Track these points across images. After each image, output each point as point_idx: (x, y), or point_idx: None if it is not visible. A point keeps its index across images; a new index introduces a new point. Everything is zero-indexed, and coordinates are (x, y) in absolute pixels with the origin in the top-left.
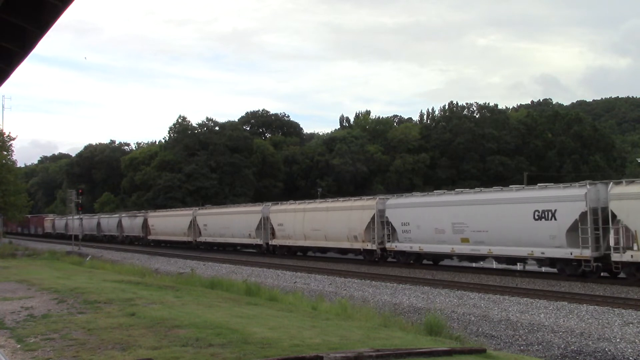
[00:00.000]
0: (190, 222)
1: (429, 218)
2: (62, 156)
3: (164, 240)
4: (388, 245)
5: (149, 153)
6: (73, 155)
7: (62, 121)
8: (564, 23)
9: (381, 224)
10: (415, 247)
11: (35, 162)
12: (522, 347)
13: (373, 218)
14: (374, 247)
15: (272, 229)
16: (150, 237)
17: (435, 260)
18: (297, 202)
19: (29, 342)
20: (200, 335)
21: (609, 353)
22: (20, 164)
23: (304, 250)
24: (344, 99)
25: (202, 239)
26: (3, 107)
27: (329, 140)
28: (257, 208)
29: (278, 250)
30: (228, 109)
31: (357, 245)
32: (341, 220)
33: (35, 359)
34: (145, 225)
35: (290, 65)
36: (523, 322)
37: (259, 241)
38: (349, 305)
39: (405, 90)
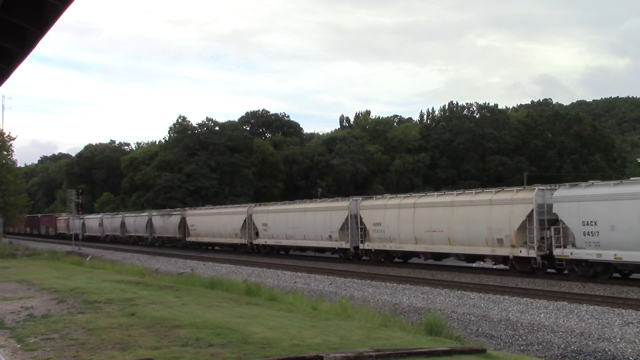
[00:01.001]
0: (245, 221)
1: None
2: (62, 156)
3: (207, 243)
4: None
5: (149, 153)
6: (73, 155)
7: (62, 121)
8: (564, 23)
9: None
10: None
11: (35, 162)
12: (522, 347)
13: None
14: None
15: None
16: (189, 239)
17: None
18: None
19: (29, 342)
20: (200, 335)
21: (609, 353)
22: (20, 164)
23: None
24: (344, 99)
25: (260, 241)
26: (3, 107)
27: (329, 140)
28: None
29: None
30: (228, 109)
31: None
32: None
33: (35, 359)
34: (183, 225)
35: (290, 65)
36: (523, 322)
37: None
38: (349, 305)
39: (405, 90)
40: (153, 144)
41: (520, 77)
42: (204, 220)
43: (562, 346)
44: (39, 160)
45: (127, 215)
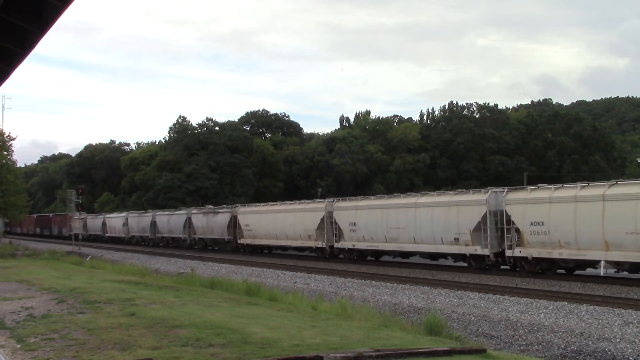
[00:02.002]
0: (322, 219)
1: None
2: (62, 156)
3: (268, 246)
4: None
5: (149, 153)
6: (73, 155)
7: (62, 121)
8: (563, 23)
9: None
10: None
11: (35, 162)
12: (522, 347)
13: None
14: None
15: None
16: (243, 242)
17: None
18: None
19: (29, 342)
20: (200, 335)
21: (609, 353)
22: (20, 164)
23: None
24: (344, 99)
25: (346, 244)
26: (3, 107)
27: (329, 140)
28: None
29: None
30: (228, 109)
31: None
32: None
33: (35, 359)
34: (233, 225)
35: (290, 65)
36: (523, 322)
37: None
38: (349, 305)
39: (405, 90)
40: (153, 144)
41: (520, 77)
42: (263, 220)
43: (562, 346)
44: (39, 160)
45: (159, 213)
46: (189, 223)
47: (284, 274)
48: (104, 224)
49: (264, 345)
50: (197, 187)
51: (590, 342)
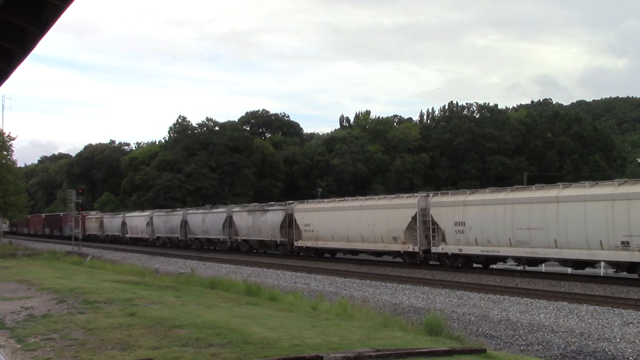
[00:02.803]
0: (413, 218)
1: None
2: (62, 156)
3: (335, 250)
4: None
5: (149, 153)
6: (73, 155)
7: (62, 121)
8: (562, 23)
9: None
10: (315, 244)
11: (35, 162)
12: (522, 347)
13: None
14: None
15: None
16: (300, 244)
17: (331, 253)
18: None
19: (29, 342)
20: (200, 335)
21: (609, 353)
22: (20, 164)
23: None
24: (344, 99)
25: (450, 248)
26: (3, 107)
27: (329, 141)
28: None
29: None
30: (228, 109)
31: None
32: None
33: (35, 359)
34: (287, 224)
35: (290, 65)
36: (523, 322)
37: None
38: (349, 305)
39: (405, 91)
40: (153, 144)
41: (519, 77)
42: (330, 218)
43: (562, 346)
44: (39, 160)
45: (191, 212)
46: (229, 223)
47: (284, 274)
48: (123, 223)
49: (264, 345)
50: (197, 187)
51: (590, 342)
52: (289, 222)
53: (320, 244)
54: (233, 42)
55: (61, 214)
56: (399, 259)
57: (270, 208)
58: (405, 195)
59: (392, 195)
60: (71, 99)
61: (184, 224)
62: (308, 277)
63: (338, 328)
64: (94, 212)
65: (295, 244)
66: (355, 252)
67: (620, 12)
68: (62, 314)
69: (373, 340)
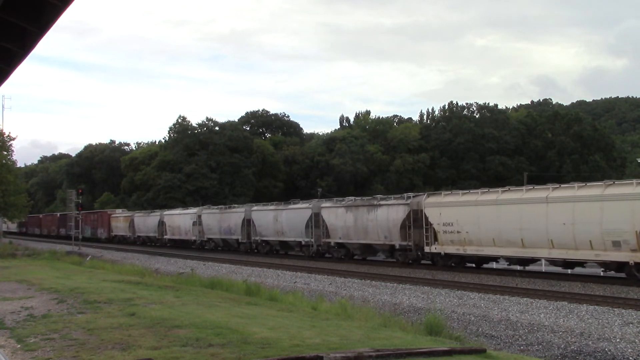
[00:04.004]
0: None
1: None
2: (62, 156)
3: (494, 257)
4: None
5: (149, 153)
6: (73, 155)
7: (62, 121)
8: (562, 24)
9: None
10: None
11: (35, 162)
12: (522, 347)
13: (243, 221)
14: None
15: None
16: (435, 249)
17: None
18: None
19: (29, 342)
20: (200, 335)
21: (609, 353)
22: (20, 164)
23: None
24: (344, 99)
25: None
26: (3, 107)
27: (329, 140)
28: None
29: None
30: (228, 109)
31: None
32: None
33: (35, 359)
34: (411, 222)
35: (289, 66)
36: (523, 322)
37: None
38: (349, 305)
39: (405, 91)
40: (153, 144)
41: (519, 78)
42: (485, 215)
43: (562, 346)
44: (39, 160)
45: (256, 209)
46: (314, 221)
47: (284, 274)
48: (161, 223)
49: (263, 345)
50: (197, 187)
51: (590, 342)
52: (414, 220)
53: (472, 250)
54: (232, 43)
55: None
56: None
57: (385, 202)
58: (626, 182)
59: (605, 182)
60: (71, 99)
61: (247, 223)
62: (308, 277)
63: (338, 328)
64: (119, 211)
65: (427, 249)
66: (532, 260)
67: (619, 13)
68: (62, 314)
69: (373, 340)
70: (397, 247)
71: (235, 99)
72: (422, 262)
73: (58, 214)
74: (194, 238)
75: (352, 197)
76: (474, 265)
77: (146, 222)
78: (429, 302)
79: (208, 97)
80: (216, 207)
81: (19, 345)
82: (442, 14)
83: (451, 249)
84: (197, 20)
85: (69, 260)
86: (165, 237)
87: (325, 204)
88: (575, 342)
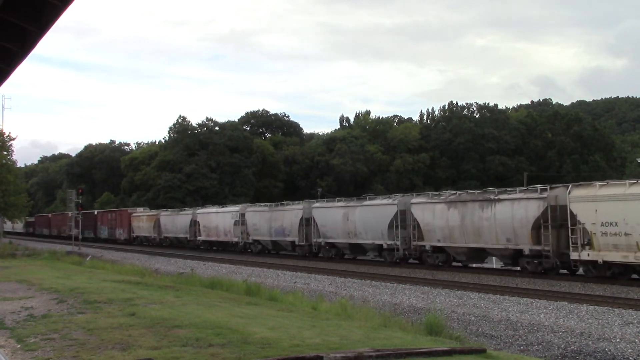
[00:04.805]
0: None
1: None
2: (62, 156)
3: None
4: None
5: (149, 153)
6: (73, 155)
7: (62, 121)
8: (561, 24)
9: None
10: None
11: (35, 162)
12: (522, 347)
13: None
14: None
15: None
16: (589, 257)
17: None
18: None
19: (29, 342)
20: (200, 335)
21: (609, 353)
22: (20, 164)
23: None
24: (344, 99)
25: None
26: (3, 107)
27: (329, 141)
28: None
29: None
30: (228, 109)
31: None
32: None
33: (35, 359)
34: (547, 221)
35: (290, 66)
36: (523, 322)
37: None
38: (349, 305)
39: (404, 91)
40: (153, 144)
41: (518, 78)
42: None
43: (562, 346)
44: (39, 160)
45: (319, 206)
46: (401, 219)
47: (284, 274)
48: (194, 223)
49: (264, 345)
50: (197, 187)
51: (590, 342)
52: (551, 218)
53: None
54: (232, 43)
55: (95, 211)
56: None
57: (505, 196)
58: None
59: None
60: (71, 99)
61: (306, 223)
62: (308, 277)
63: (338, 328)
64: (141, 209)
65: (574, 255)
66: None
67: (618, 13)
68: (62, 314)
69: (373, 340)
70: (527, 252)
71: (235, 99)
72: (561, 271)
73: (70, 214)
74: (235, 240)
75: (456, 191)
76: None
77: (175, 221)
78: (429, 302)
79: (208, 97)
80: (263, 204)
81: (19, 345)
82: (442, 14)
83: (614, 257)
84: (197, 20)
85: (69, 260)
86: (198, 238)
87: (418, 199)
88: (575, 342)
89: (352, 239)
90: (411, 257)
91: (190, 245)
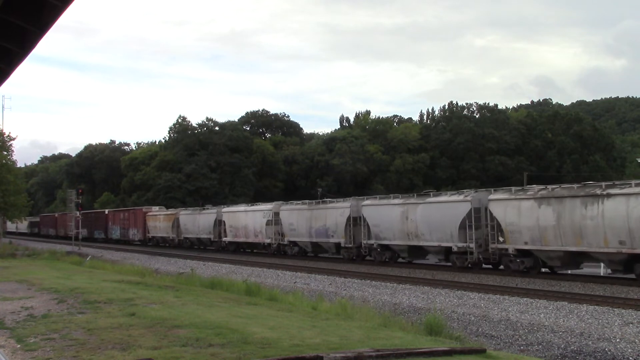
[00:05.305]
0: None
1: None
2: (62, 156)
3: None
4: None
5: (149, 153)
6: (73, 155)
7: (61, 121)
8: (560, 24)
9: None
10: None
11: (35, 162)
12: (522, 347)
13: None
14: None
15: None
16: None
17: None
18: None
19: (29, 342)
20: (200, 335)
21: (609, 353)
22: (20, 164)
23: None
24: (343, 99)
25: None
26: (3, 107)
27: (329, 141)
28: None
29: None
30: (228, 109)
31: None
32: None
33: (35, 359)
34: None
35: (289, 66)
36: (523, 322)
37: None
38: (349, 305)
39: (404, 91)
40: (153, 144)
41: (518, 78)
42: None
43: (562, 346)
44: (39, 160)
45: (369, 203)
46: (475, 218)
47: (284, 274)
48: (218, 222)
49: (264, 345)
50: (197, 187)
51: (590, 342)
52: None
53: None
54: (232, 42)
55: (106, 210)
56: None
57: (616, 191)
58: None
59: None
60: (71, 99)
61: (354, 222)
62: (308, 277)
63: (338, 328)
64: (156, 208)
65: None
66: None
67: (617, 13)
68: (62, 314)
69: (373, 340)
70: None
71: (235, 99)
72: None
73: (77, 213)
74: (267, 241)
75: (545, 186)
76: None
77: (197, 221)
78: (429, 302)
79: (208, 97)
80: (299, 201)
81: (19, 345)
82: (442, 14)
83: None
84: (197, 20)
85: (69, 260)
86: (224, 239)
87: (497, 194)
88: (575, 342)
89: (412, 240)
90: (488, 261)
91: (215, 247)
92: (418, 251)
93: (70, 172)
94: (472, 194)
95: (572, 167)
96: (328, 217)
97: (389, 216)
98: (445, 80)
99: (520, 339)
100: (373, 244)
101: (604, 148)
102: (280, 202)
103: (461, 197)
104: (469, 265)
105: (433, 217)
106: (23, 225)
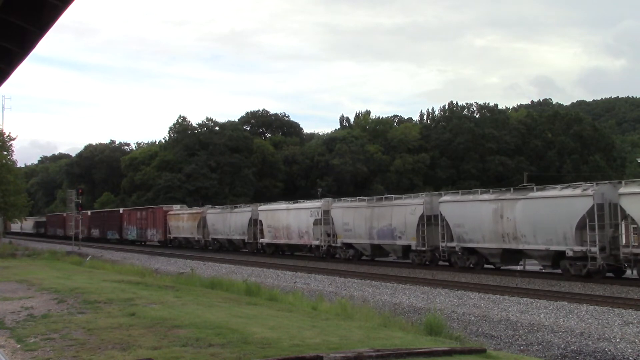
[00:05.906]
0: None
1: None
2: (62, 156)
3: None
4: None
5: (149, 153)
6: (73, 155)
7: (61, 121)
8: (560, 24)
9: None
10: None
11: (35, 162)
12: (522, 347)
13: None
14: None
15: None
16: None
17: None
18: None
19: (29, 342)
20: (200, 335)
21: (609, 353)
22: (20, 164)
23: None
24: (343, 99)
25: None
26: (3, 107)
27: (329, 141)
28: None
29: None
30: (228, 109)
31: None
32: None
33: (35, 359)
34: None
35: (289, 66)
36: (523, 322)
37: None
38: (349, 305)
39: (404, 91)
40: (153, 144)
41: (518, 78)
42: None
43: (562, 346)
44: (39, 160)
45: (449, 199)
46: (598, 217)
47: (284, 274)
48: (254, 222)
49: (264, 345)
50: (197, 187)
51: (590, 342)
52: None
53: None
54: (232, 42)
55: (121, 210)
56: None
57: None
58: None
59: None
60: (71, 99)
61: (427, 221)
62: (308, 277)
63: (338, 328)
64: (178, 207)
65: None
66: None
67: (617, 13)
68: (62, 314)
69: (373, 340)
70: None
71: (235, 99)
72: None
73: (89, 212)
74: (315, 243)
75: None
76: None
77: (228, 220)
78: (429, 302)
79: (208, 97)
80: (355, 198)
81: (19, 345)
82: (441, 14)
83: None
84: (197, 20)
85: (69, 260)
86: (260, 240)
87: (631, 188)
88: (575, 342)
89: (509, 243)
90: (611, 267)
91: (249, 249)
92: (514, 255)
93: (70, 172)
94: (592, 187)
95: (572, 167)
96: (394, 216)
97: (477, 214)
98: (445, 80)
99: (520, 339)
100: (454, 247)
101: (604, 148)
102: (330, 199)
103: (578, 191)
104: (588, 274)
105: (539, 215)
106: (28, 225)
